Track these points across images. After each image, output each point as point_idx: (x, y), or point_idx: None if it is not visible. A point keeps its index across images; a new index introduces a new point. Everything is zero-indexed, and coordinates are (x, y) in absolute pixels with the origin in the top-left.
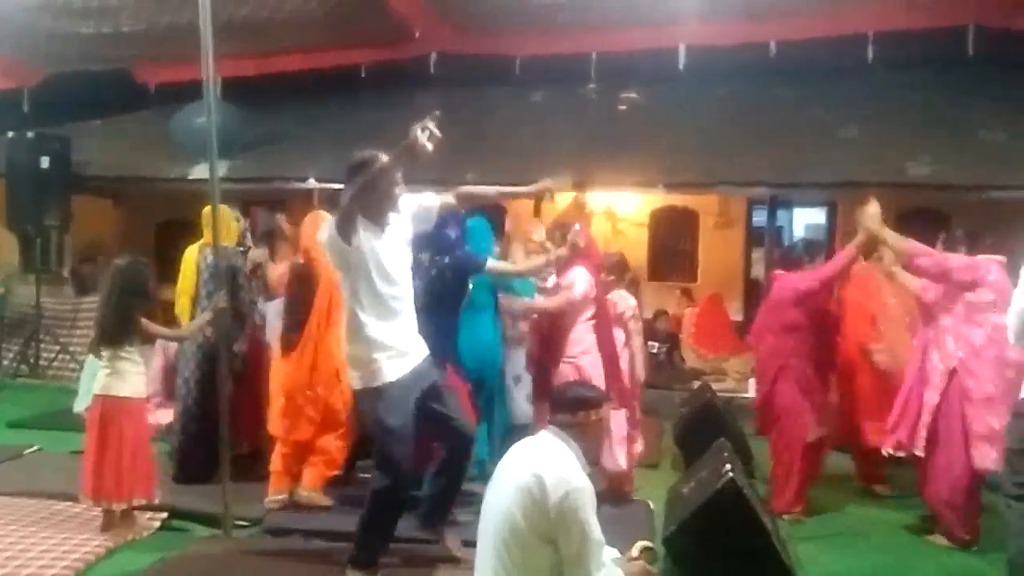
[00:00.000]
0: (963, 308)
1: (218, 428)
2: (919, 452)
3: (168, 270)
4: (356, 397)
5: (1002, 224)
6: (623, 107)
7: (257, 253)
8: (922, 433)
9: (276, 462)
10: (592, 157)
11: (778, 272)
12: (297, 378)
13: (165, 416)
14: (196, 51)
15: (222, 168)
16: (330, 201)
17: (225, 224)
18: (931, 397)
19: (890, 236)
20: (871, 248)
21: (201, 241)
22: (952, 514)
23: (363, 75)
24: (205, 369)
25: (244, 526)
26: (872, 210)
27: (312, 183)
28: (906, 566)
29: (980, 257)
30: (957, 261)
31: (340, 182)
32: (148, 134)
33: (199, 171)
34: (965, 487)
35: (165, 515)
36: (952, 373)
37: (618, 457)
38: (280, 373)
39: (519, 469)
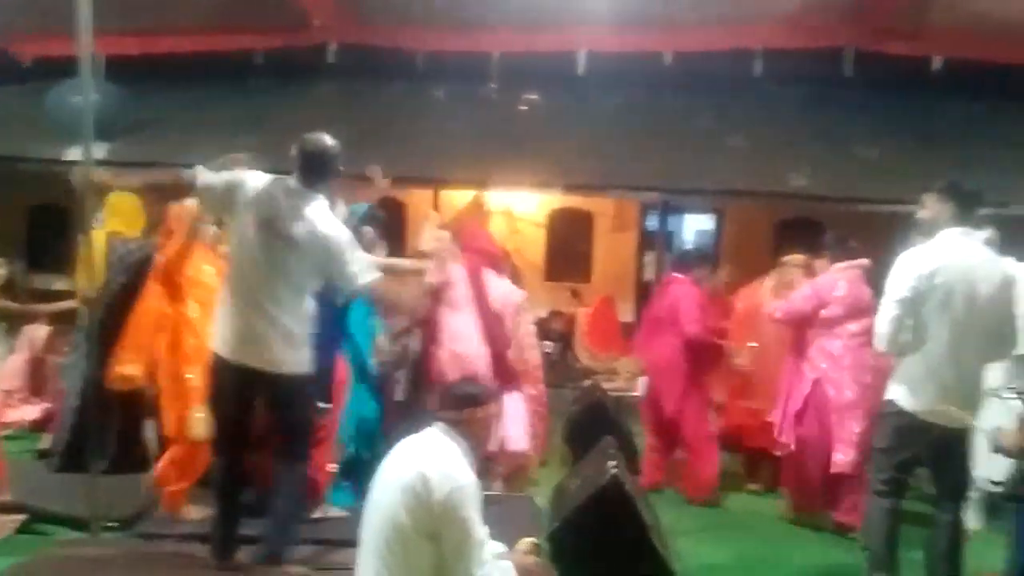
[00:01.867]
0: (821, 322)
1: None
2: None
3: (43, 256)
4: (300, 382)
5: (871, 235)
6: (523, 108)
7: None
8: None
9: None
10: (491, 156)
11: (674, 276)
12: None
13: (31, 412)
14: (74, 24)
15: (101, 151)
16: None
17: (132, 212)
18: (797, 403)
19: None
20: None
21: (107, 230)
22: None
23: (258, 61)
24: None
25: (114, 528)
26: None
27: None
28: (777, 555)
29: (828, 275)
30: (801, 300)
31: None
32: (20, 111)
33: (74, 153)
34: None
35: (23, 516)
36: (816, 383)
37: (519, 440)
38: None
39: (404, 466)
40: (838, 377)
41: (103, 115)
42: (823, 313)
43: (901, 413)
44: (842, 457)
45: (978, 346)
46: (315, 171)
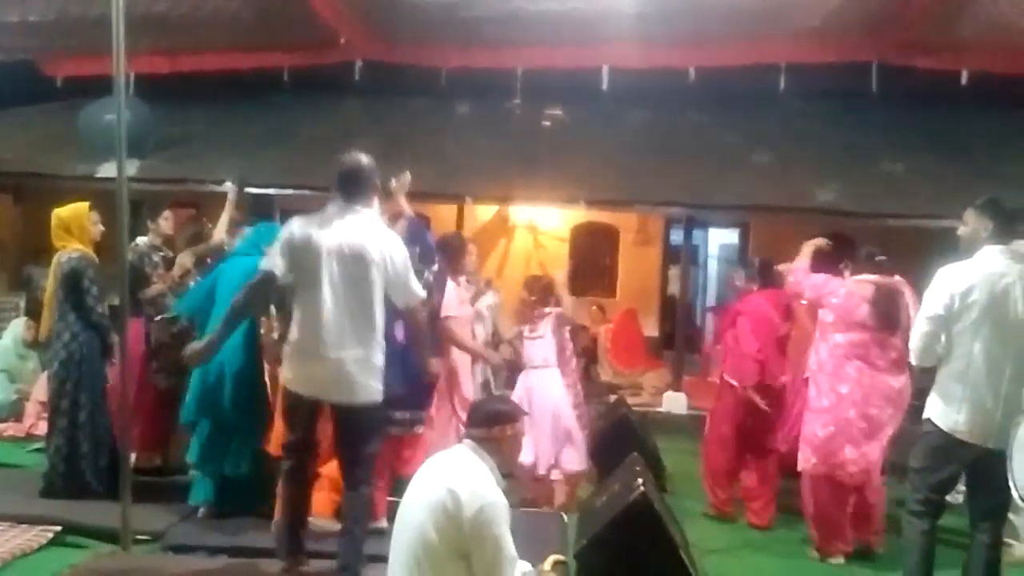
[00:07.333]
0: (819, 325)
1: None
2: None
3: None
4: (373, 411)
5: (897, 250)
6: (547, 123)
7: (186, 258)
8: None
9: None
10: (515, 171)
11: (750, 289)
12: None
13: None
14: (107, 44)
15: (132, 168)
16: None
17: (79, 225)
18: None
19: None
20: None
21: (57, 244)
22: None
23: (285, 79)
24: (67, 382)
25: (145, 541)
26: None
27: (228, 186)
28: (804, 574)
29: (840, 280)
30: (810, 282)
31: (259, 185)
32: (54, 129)
33: (107, 169)
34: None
35: (58, 528)
36: (806, 382)
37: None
38: None
39: (433, 484)
40: (820, 381)
41: (134, 132)
42: (820, 314)
43: (937, 432)
44: (804, 457)
45: (1016, 365)
46: (353, 188)
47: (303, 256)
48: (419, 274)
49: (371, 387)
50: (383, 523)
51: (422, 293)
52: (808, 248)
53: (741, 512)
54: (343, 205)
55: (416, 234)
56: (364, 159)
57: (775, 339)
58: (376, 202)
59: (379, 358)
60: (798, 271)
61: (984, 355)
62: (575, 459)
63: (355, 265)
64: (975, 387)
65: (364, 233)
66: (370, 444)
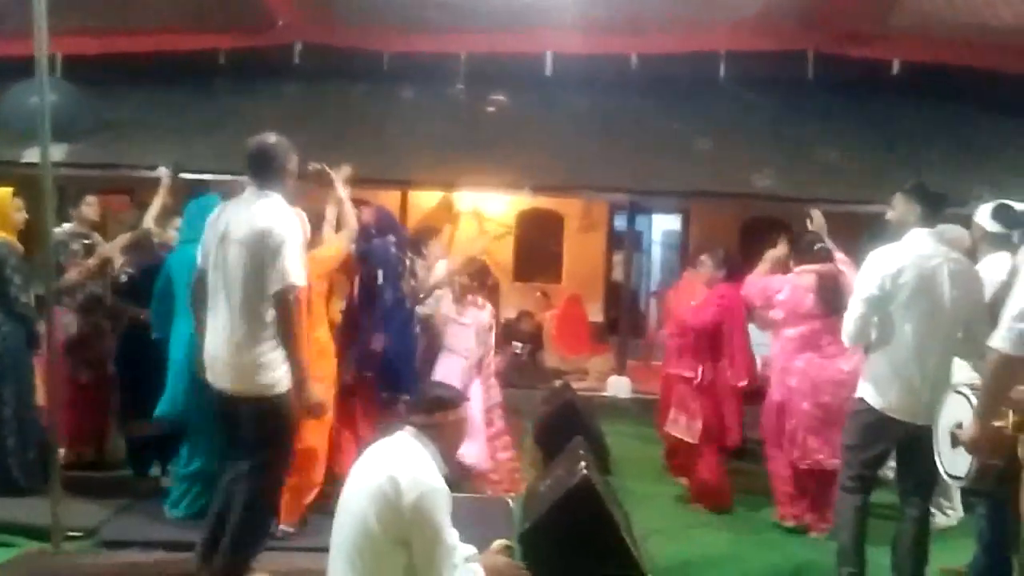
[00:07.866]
0: (769, 322)
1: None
2: None
3: None
4: (282, 402)
5: (830, 234)
6: (491, 109)
7: (107, 248)
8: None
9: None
10: (459, 157)
11: (717, 278)
12: None
13: None
14: (29, 23)
15: (59, 152)
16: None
17: (1, 212)
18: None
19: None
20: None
21: None
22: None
23: (221, 61)
24: None
25: (76, 538)
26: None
27: (163, 172)
28: (747, 553)
29: (781, 277)
30: (753, 287)
31: (195, 171)
32: None
33: (32, 154)
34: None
35: None
36: (767, 379)
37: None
38: None
39: (374, 471)
40: (772, 375)
41: (61, 116)
42: (770, 314)
43: (869, 411)
44: (784, 451)
45: (943, 345)
46: (261, 171)
47: (207, 242)
48: (402, 264)
49: (258, 378)
50: None
51: (291, 282)
52: (770, 256)
53: (686, 494)
54: (254, 190)
55: (389, 225)
56: (272, 139)
57: (744, 330)
58: (289, 184)
59: (259, 349)
60: (751, 281)
61: (913, 335)
62: (475, 455)
63: (239, 251)
64: (904, 366)
65: (252, 218)
66: (274, 437)
